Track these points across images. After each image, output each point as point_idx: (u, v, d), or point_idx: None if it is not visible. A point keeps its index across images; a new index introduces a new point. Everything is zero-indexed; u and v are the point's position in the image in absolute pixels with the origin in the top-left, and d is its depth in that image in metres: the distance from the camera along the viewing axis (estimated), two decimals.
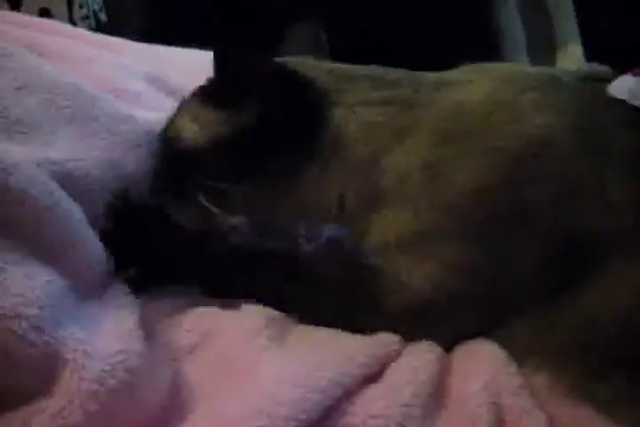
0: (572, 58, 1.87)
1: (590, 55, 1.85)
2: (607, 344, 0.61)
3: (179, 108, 0.77)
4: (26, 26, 0.91)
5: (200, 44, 1.08)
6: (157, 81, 0.90)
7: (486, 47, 1.95)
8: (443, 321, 0.65)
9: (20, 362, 0.52)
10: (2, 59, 0.69)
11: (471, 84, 0.71)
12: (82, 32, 1.02)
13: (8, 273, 0.54)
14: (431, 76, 0.76)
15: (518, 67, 0.76)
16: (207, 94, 0.76)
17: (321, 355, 0.61)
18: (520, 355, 0.63)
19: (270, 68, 0.73)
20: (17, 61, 0.69)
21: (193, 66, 1.00)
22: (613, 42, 1.68)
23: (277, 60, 0.78)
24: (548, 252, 0.63)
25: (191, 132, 0.74)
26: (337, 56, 1.00)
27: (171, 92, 0.91)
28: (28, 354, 0.52)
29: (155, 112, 0.81)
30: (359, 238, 0.68)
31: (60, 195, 0.61)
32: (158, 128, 0.77)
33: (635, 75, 1.14)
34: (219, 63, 0.73)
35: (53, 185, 0.61)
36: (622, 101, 0.70)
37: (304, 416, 0.55)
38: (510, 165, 0.64)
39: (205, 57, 1.07)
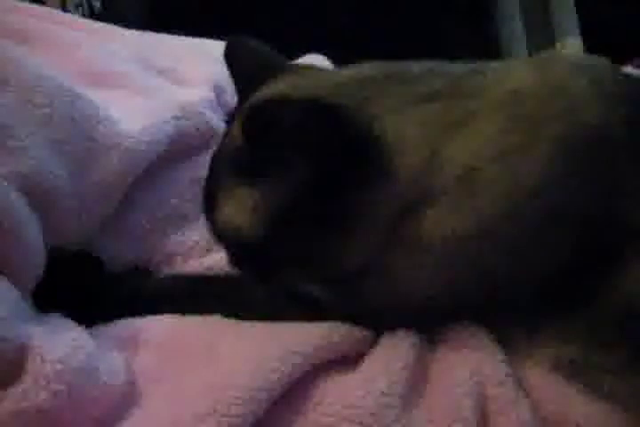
0: (571, 50, 1.87)
1: (590, 47, 1.85)
2: (614, 321, 0.59)
3: (210, 187, 0.67)
4: (13, 11, 0.89)
5: (196, 35, 1.07)
6: (146, 62, 0.88)
7: (485, 39, 1.95)
8: (443, 318, 0.63)
9: None
10: None
11: (513, 70, 0.66)
12: (70, 17, 1.01)
13: None
14: (451, 65, 0.68)
15: (550, 53, 0.72)
16: (239, 166, 0.63)
17: (278, 330, 0.60)
18: (519, 339, 0.61)
19: (304, 114, 0.58)
20: None
21: (184, 50, 0.99)
22: (613, 34, 1.67)
23: (288, 83, 0.67)
24: (579, 246, 0.60)
25: (245, 223, 0.62)
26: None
27: (160, 72, 0.89)
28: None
29: (139, 91, 0.81)
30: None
31: (19, 202, 0.60)
32: (135, 127, 0.74)
33: (634, 66, 1.14)
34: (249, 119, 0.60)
35: (9, 189, 0.60)
36: None
37: (263, 385, 0.54)
38: (568, 155, 0.61)
39: (197, 43, 1.07)
